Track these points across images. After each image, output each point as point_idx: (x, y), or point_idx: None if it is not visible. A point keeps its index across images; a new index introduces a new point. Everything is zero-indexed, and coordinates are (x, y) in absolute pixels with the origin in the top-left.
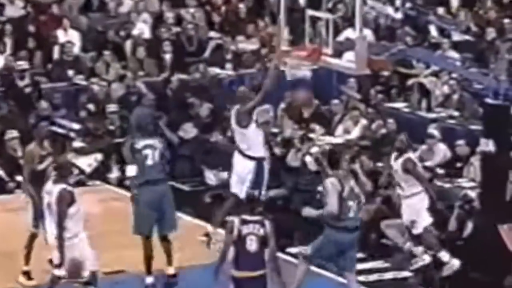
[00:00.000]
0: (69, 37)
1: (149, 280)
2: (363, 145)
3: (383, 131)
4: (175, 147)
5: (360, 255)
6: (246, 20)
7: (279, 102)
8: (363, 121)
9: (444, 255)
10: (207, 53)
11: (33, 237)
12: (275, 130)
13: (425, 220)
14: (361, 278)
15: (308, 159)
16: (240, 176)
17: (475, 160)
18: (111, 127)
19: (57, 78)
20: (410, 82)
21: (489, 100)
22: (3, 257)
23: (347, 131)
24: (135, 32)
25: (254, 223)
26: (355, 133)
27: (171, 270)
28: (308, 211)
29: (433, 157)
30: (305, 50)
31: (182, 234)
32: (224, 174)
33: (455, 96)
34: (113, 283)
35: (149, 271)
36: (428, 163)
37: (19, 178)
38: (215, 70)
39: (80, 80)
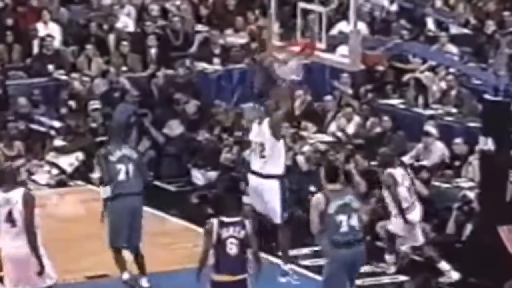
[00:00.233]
0: (49, 30)
1: (125, 276)
2: (357, 144)
3: (378, 129)
4: (161, 146)
5: None
6: (235, 13)
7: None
8: (357, 118)
9: (444, 266)
10: (194, 47)
11: None
12: None
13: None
14: (358, 282)
15: (300, 158)
16: (264, 199)
17: (474, 159)
18: (94, 125)
19: (37, 73)
20: (406, 77)
21: (488, 96)
22: None
23: (340, 129)
24: (118, 25)
25: (234, 225)
26: (349, 130)
27: (145, 283)
28: None
29: (430, 156)
30: (296, 45)
31: (169, 237)
32: (212, 174)
33: (453, 92)
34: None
35: (123, 269)
36: (424, 162)
37: None
38: (203, 65)
39: (60, 75)
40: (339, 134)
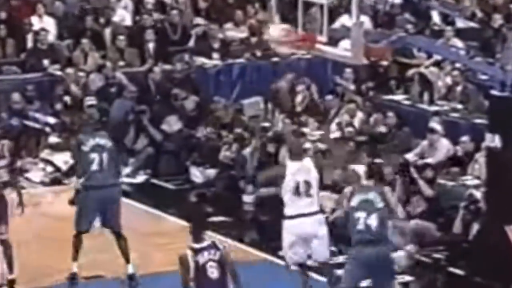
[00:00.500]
0: (44, 24)
1: (74, 267)
2: (361, 141)
3: (382, 126)
4: (159, 143)
5: None
6: (234, 6)
7: (269, 94)
8: (360, 115)
9: None
10: (192, 42)
11: None
12: (266, 124)
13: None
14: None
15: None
16: (315, 240)
17: (480, 156)
18: (90, 122)
19: (31, 69)
20: (410, 72)
21: (495, 92)
22: None
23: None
24: (115, 18)
25: (208, 249)
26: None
27: (130, 270)
28: None
29: (435, 153)
30: (298, 38)
31: (166, 236)
32: (211, 172)
33: (459, 88)
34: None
35: (75, 258)
36: (429, 160)
37: None
38: (201, 60)
39: (55, 70)
40: (350, 129)
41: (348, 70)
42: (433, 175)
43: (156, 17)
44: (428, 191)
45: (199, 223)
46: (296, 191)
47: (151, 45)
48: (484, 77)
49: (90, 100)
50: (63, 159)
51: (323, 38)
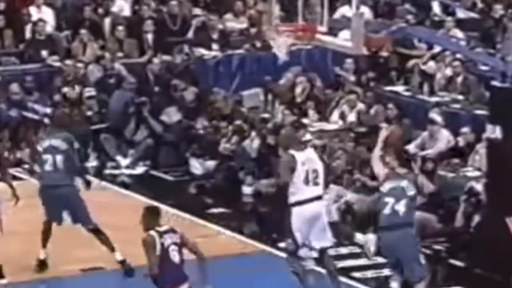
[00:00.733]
0: (42, 14)
1: (42, 254)
2: (361, 132)
3: (382, 117)
4: (159, 135)
5: (356, 250)
6: None
7: (269, 85)
8: (360, 106)
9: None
10: (191, 33)
11: None
12: (265, 115)
13: None
14: (358, 274)
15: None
16: (318, 223)
17: (481, 147)
18: (89, 113)
19: (30, 59)
20: (410, 63)
21: (496, 83)
22: None
23: (343, 117)
24: (114, 9)
25: (169, 232)
26: (351, 118)
27: (118, 256)
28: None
29: (435, 144)
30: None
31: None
32: (210, 163)
33: (459, 79)
34: (90, 280)
35: (44, 245)
36: (430, 151)
37: None
38: (201, 50)
39: (54, 61)
40: (352, 119)
41: (348, 60)
42: (433, 167)
43: (155, 8)
44: (430, 186)
45: (154, 209)
46: (306, 180)
47: (150, 36)
48: (484, 68)
49: (89, 92)
50: None
51: (323, 28)
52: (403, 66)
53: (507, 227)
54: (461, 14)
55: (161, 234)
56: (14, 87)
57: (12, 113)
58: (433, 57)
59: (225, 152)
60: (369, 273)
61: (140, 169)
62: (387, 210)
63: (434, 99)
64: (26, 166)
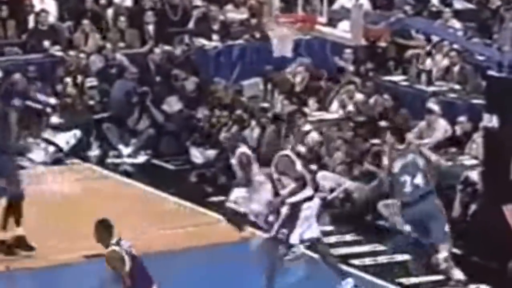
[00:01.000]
0: (44, 5)
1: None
2: (359, 121)
3: (380, 108)
4: (160, 125)
5: (355, 237)
6: None
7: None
8: (359, 96)
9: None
10: (192, 23)
11: None
12: (265, 105)
13: None
14: (356, 262)
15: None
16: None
17: (478, 136)
18: (91, 102)
19: (32, 49)
20: (408, 54)
21: (492, 73)
22: None
23: (342, 106)
24: (116, 0)
25: (120, 240)
26: (350, 108)
27: (19, 231)
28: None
29: (433, 133)
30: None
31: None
32: (211, 152)
33: (456, 69)
34: (93, 267)
35: (3, 227)
36: (427, 140)
37: None
38: (201, 41)
39: (56, 51)
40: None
41: (347, 51)
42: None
43: None
44: (433, 156)
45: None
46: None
47: (151, 27)
48: (481, 58)
49: (91, 82)
50: (65, 139)
51: (323, 19)
52: (401, 56)
53: (504, 215)
54: (458, 5)
55: (120, 245)
56: (17, 76)
57: (15, 102)
58: (429, 53)
59: (225, 141)
60: (367, 260)
61: (141, 158)
62: (408, 188)
63: (431, 88)
64: (29, 155)
